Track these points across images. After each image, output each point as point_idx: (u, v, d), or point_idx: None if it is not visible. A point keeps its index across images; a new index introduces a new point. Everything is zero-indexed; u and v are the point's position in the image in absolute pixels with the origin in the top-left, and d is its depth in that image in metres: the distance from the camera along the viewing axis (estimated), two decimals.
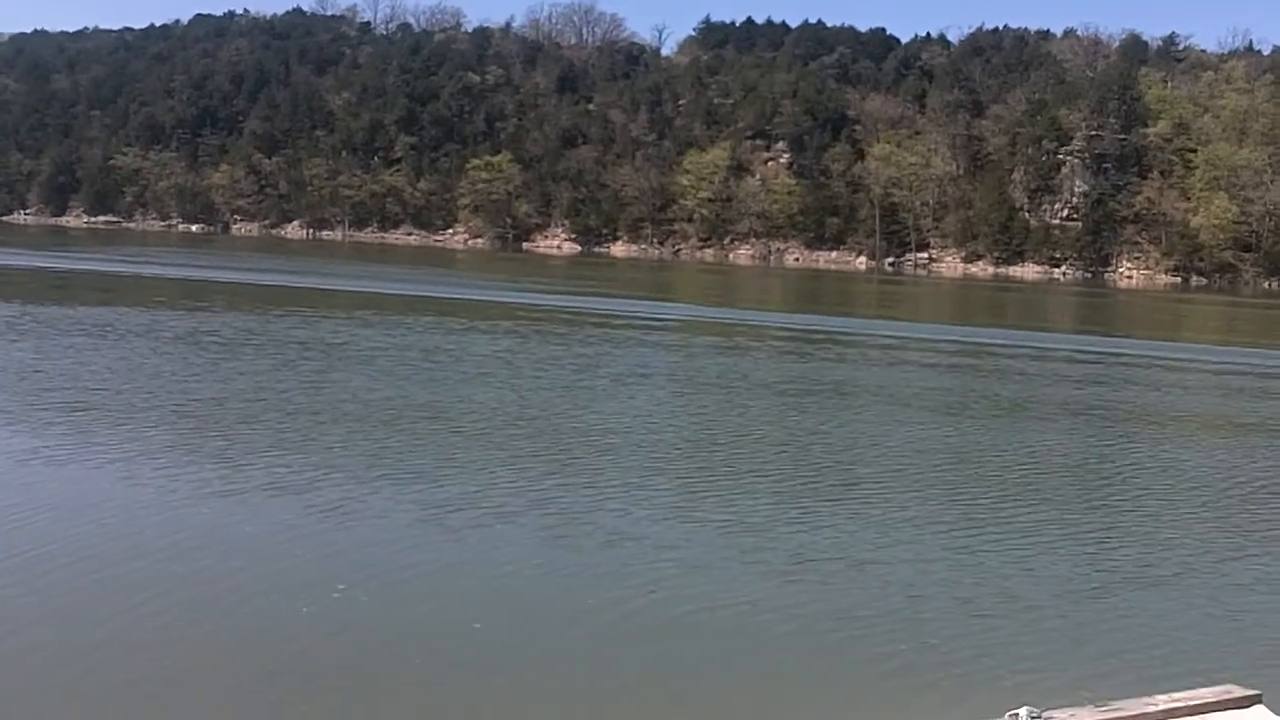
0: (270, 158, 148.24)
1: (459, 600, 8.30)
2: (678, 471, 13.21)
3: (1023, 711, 4.54)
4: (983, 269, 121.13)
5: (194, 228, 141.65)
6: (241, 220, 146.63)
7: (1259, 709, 4.98)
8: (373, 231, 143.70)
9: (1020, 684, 5.70)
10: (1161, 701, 5.10)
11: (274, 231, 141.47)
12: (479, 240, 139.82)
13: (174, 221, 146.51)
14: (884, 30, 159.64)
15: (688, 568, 9.10)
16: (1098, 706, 4.97)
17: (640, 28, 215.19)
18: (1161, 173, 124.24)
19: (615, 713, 6.49)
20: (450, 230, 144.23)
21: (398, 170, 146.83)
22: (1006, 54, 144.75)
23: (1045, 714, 4.64)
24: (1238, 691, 5.26)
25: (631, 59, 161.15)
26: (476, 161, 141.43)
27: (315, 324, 28.78)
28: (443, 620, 7.83)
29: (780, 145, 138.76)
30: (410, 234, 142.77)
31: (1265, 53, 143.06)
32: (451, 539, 9.72)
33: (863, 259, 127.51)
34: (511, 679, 6.80)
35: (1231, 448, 15.41)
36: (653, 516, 10.80)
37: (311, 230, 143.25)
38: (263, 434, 13.77)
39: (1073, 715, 4.82)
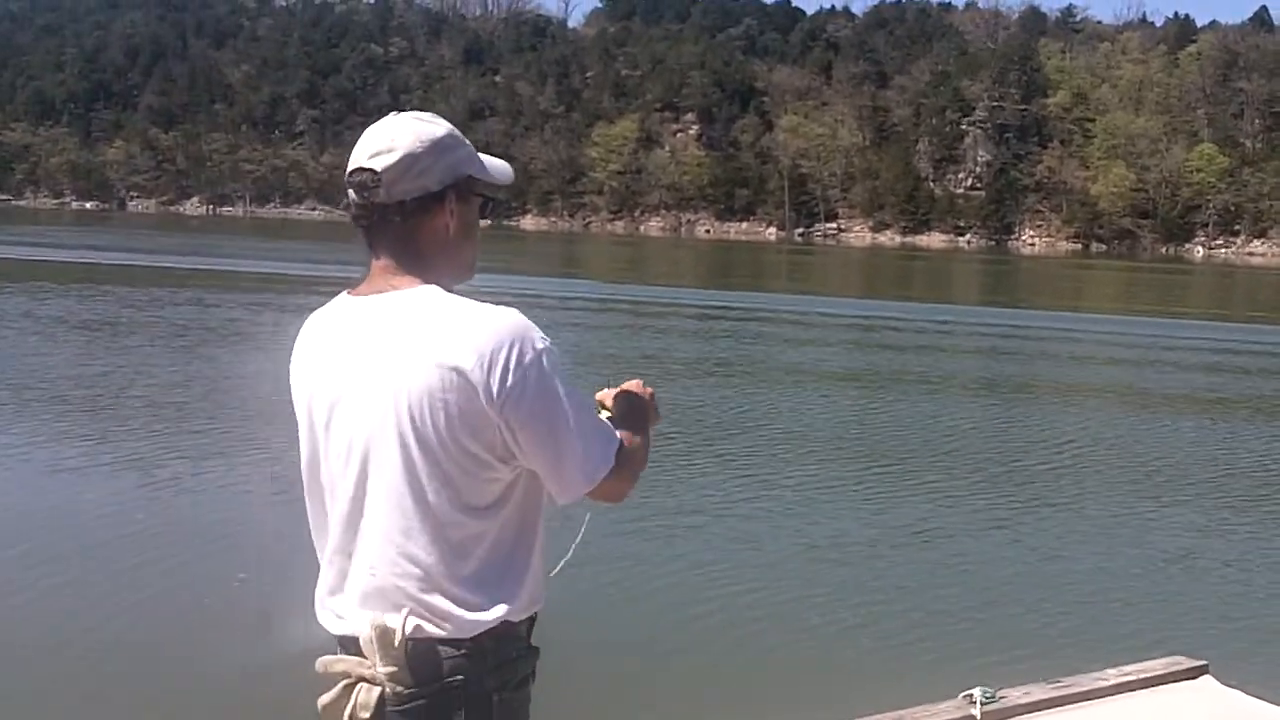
0: (167, 133, 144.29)
1: None
2: None
3: (976, 691, 4.45)
4: (890, 238, 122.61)
5: (88, 205, 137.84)
6: (139, 197, 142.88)
7: (1206, 678, 5.00)
8: (275, 207, 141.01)
9: (974, 664, 5.57)
10: (1112, 675, 5.03)
11: (173, 208, 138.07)
12: None
13: (67, 199, 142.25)
14: (790, 2, 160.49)
15: None
16: (1050, 683, 4.87)
17: None
18: (1061, 142, 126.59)
19: None
20: None
21: (300, 144, 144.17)
22: (910, 26, 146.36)
23: (999, 692, 4.57)
24: (1186, 662, 5.28)
25: (538, 31, 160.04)
26: None
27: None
28: None
29: (689, 117, 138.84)
30: (315, 209, 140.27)
31: (1158, 25, 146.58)
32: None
33: (773, 230, 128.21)
34: None
35: (1155, 422, 15.52)
36: None
37: (212, 206, 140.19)
38: (164, 419, 13.17)
39: (1026, 693, 4.77)
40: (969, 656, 6.50)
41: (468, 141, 2.18)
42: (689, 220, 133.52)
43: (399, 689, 1.95)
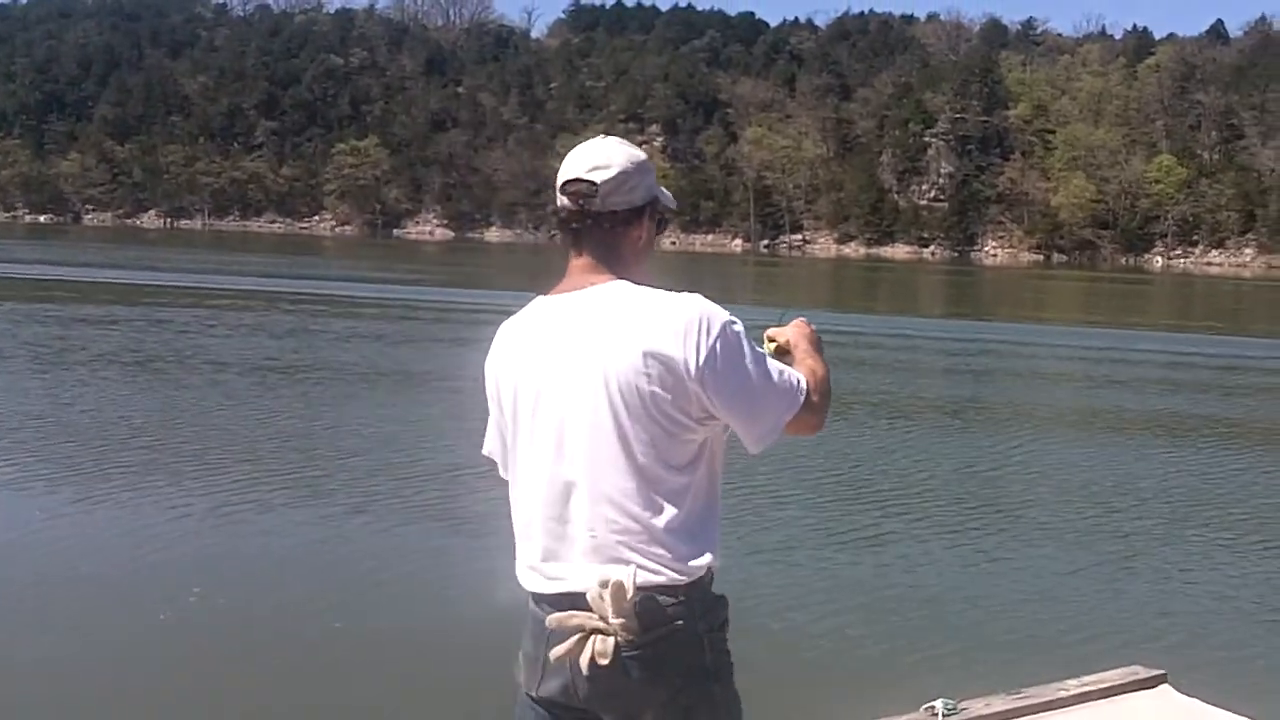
0: (123, 144, 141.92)
1: (316, 598, 7.75)
2: None
3: (938, 703, 4.45)
4: (855, 250, 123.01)
5: (42, 218, 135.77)
6: (94, 210, 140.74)
7: (1164, 687, 5.02)
8: (234, 220, 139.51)
9: (935, 676, 5.53)
10: (1072, 686, 5.03)
11: (129, 221, 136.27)
12: (347, 227, 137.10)
13: (19, 212, 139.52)
14: (753, 14, 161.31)
15: None
16: (1011, 694, 4.86)
17: (509, 9, 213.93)
18: (1023, 153, 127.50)
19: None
20: (316, 217, 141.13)
21: (259, 156, 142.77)
22: (872, 38, 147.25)
23: (961, 704, 4.57)
24: (1144, 672, 5.22)
25: (501, 41, 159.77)
26: (342, 146, 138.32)
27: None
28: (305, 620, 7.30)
29: (654, 129, 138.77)
30: (274, 222, 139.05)
31: (1117, 37, 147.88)
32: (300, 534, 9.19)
33: (738, 241, 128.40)
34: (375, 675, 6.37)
35: (1114, 437, 15.61)
36: None
37: (169, 219, 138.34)
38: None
39: (987, 704, 4.72)
40: (930, 668, 6.47)
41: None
42: None
43: (630, 636, 2.21)
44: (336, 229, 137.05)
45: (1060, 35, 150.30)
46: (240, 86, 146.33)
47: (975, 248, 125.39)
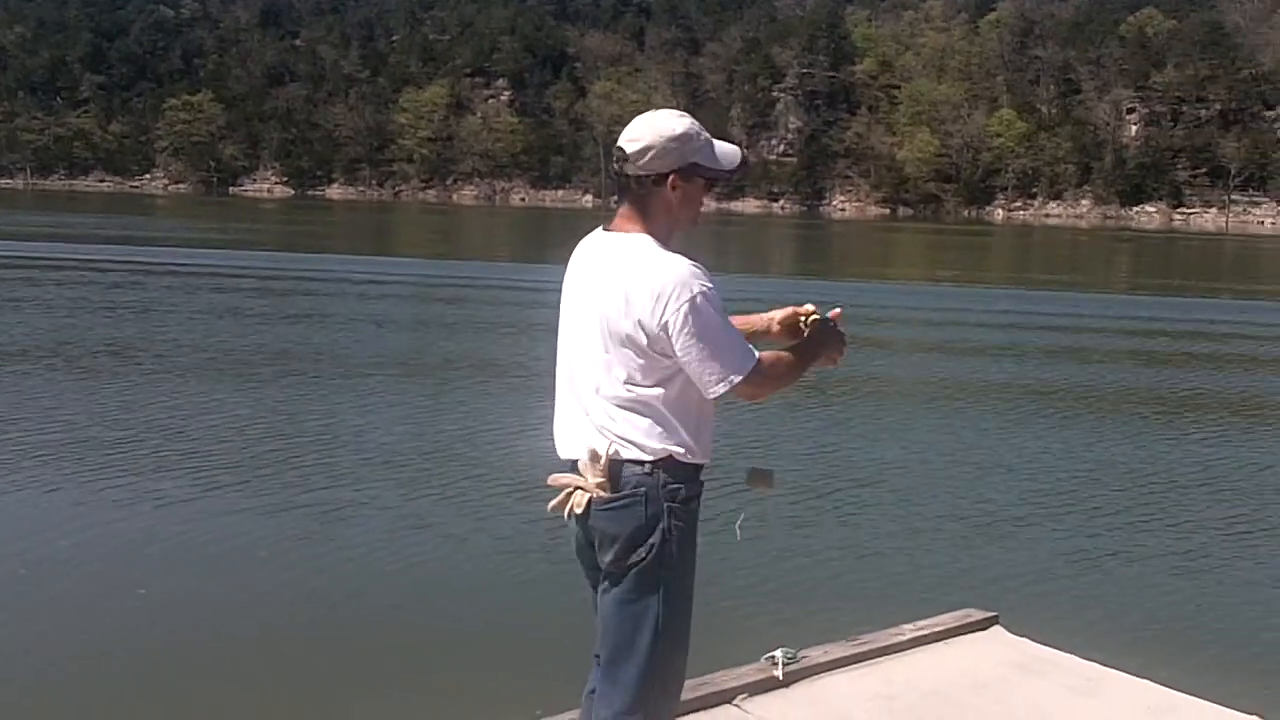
0: None
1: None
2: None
3: (778, 653, 4.57)
4: (705, 204, 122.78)
5: None
6: None
7: (997, 629, 5.20)
8: (60, 178, 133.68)
9: (775, 627, 5.51)
10: (908, 630, 5.11)
11: None
12: (181, 185, 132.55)
13: None
14: None
15: None
16: (849, 641, 4.90)
17: None
18: (869, 109, 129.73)
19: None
20: (148, 175, 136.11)
21: (85, 112, 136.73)
22: None
23: (800, 653, 4.66)
24: (977, 614, 5.32)
25: None
26: (174, 102, 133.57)
27: None
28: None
29: (501, 83, 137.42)
30: (103, 180, 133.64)
31: None
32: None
33: (589, 197, 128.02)
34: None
35: (955, 404, 15.84)
36: None
37: None
38: None
39: (825, 652, 4.81)
40: (769, 620, 6.46)
41: (704, 135, 2.99)
42: (503, 188, 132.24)
43: (602, 494, 2.89)
44: (169, 187, 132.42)
45: None
46: (62, 39, 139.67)
47: (824, 202, 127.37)
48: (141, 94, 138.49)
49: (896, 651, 4.89)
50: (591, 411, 2.95)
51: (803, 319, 3.25)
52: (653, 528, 2.91)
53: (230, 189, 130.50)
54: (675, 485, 2.93)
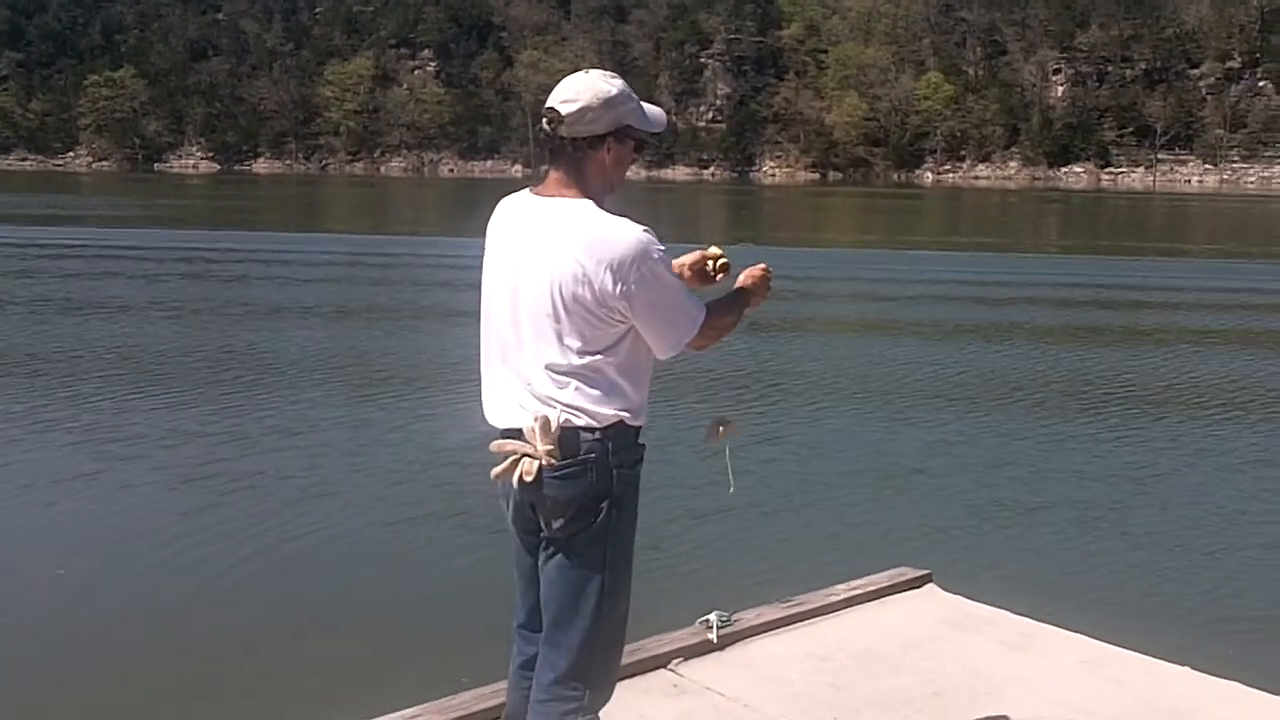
0: None
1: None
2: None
3: (712, 616, 4.58)
4: (635, 172, 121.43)
5: None
6: None
7: (930, 587, 5.24)
8: None
9: (708, 590, 5.49)
10: (841, 590, 5.12)
11: None
12: (105, 163, 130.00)
13: None
14: None
15: None
16: (783, 603, 4.91)
17: None
18: (797, 73, 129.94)
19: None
20: (71, 153, 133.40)
21: (4, 90, 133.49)
22: None
23: (735, 616, 4.66)
24: (910, 573, 5.34)
25: None
26: (96, 78, 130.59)
27: None
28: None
29: (426, 54, 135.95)
30: (25, 159, 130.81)
31: None
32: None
33: (518, 167, 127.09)
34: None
35: (886, 357, 15.93)
36: None
37: None
38: None
39: (759, 614, 4.82)
40: (703, 583, 6.45)
41: (635, 97, 2.99)
42: (431, 160, 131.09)
43: (553, 461, 2.86)
44: (93, 165, 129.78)
45: None
46: None
47: (754, 168, 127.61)
48: (62, 71, 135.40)
49: (831, 612, 4.89)
50: (534, 380, 2.92)
51: (710, 262, 3.27)
52: (604, 493, 2.94)
53: (155, 165, 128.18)
54: (623, 450, 2.96)
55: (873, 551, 6.62)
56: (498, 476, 2.94)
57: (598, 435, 2.90)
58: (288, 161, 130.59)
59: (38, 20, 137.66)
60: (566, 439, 2.88)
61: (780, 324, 17.28)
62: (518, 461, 2.90)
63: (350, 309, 19.46)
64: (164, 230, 36.77)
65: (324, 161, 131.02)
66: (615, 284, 2.80)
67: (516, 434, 2.95)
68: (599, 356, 2.88)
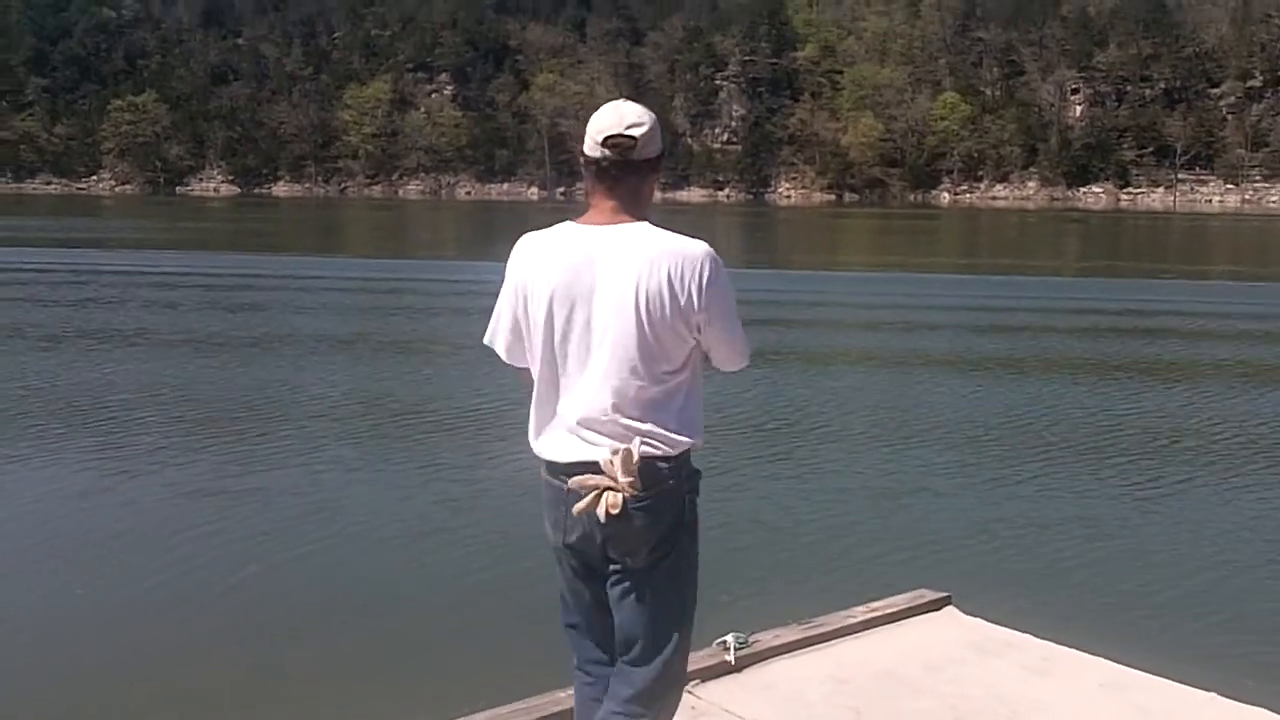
0: None
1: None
2: None
3: (730, 637, 4.56)
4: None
5: None
6: None
7: (950, 609, 5.18)
8: (7, 182, 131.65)
9: (727, 611, 5.46)
10: (860, 613, 5.07)
11: None
12: (127, 186, 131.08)
13: None
14: None
15: None
16: (801, 624, 4.85)
17: None
18: (812, 94, 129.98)
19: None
20: (95, 177, 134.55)
21: (30, 115, 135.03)
22: None
23: (752, 637, 4.63)
24: (929, 595, 5.33)
25: None
26: (119, 103, 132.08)
27: None
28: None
29: (443, 77, 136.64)
30: (50, 183, 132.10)
31: None
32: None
33: (534, 189, 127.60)
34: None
35: (903, 381, 15.90)
36: None
37: None
38: None
39: (777, 635, 4.80)
40: (722, 604, 6.37)
41: None
42: (449, 183, 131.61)
43: (635, 492, 2.85)
44: (116, 188, 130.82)
45: None
46: (5, 42, 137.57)
47: (769, 189, 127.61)
48: (86, 96, 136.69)
49: (849, 634, 4.86)
50: (608, 412, 2.92)
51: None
52: (678, 522, 2.99)
53: (176, 189, 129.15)
54: (692, 476, 3.03)
55: (890, 574, 6.58)
56: (579, 513, 2.91)
57: (672, 464, 2.93)
58: (307, 184, 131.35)
59: (63, 46, 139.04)
60: (646, 470, 2.88)
61: (796, 348, 17.29)
62: (600, 495, 2.88)
63: (392, 340, 19.46)
64: (184, 253, 36.89)
65: (343, 184, 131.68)
66: (699, 295, 2.86)
67: (586, 468, 2.93)
68: (675, 377, 2.93)
